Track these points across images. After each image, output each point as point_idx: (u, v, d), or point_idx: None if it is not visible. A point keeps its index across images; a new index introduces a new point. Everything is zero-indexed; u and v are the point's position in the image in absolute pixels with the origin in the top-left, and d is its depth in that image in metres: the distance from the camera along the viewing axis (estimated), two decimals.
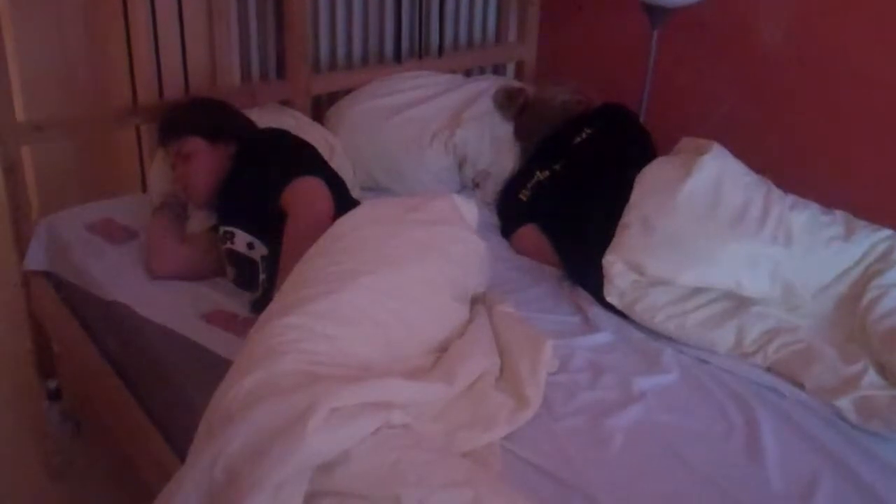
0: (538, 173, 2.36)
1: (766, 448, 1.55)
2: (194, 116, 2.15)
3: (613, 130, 2.42)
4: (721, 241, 1.90)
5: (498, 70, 3.16)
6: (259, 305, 1.83)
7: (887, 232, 2.00)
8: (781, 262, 1.90)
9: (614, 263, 1.92)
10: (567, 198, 2.25)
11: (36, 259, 2.25)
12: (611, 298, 1.92)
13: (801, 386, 1.72)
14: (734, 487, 1.46)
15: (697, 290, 1.89)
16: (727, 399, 1.69)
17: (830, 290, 1.94)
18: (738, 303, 1.88)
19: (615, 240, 1.97)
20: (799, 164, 2.49)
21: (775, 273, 1.89)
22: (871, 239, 1.97)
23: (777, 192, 2.05)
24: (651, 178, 2.07)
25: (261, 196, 1.93)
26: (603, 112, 2.48)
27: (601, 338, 1.87)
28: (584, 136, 2.39)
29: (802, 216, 2.00)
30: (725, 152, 2.11)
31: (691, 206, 1.95)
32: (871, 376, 1.71)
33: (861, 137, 2.40)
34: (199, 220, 2.17)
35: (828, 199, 2.12)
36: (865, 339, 1.82)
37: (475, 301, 1.83)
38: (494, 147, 2.55)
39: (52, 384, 2.46)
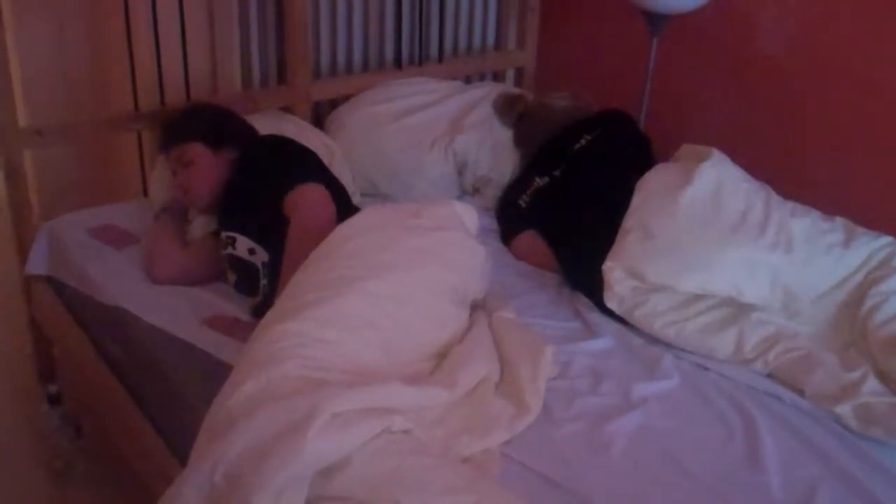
0: (537, 179, 2.36)
1: (766, 454, 1.55)
2: (195, 122, 2.16)
3: (613, 137, 2.42)
4: (721, 248, 1.90)
5: (498, 76, 3.17)
6: (260, 310, 1.84)
7: (887, 239, 2.00)
8: (781, 269, 1.90)
9: (614, 269, 1.92)
10: (566, 204, 2.25)
11: (37, 263, 2.25)
12: (610, 304, 1.92)
13: (801, 392, 1.72)
14: (734, 494, 1.46)
15: (697, 297, 1.89)
16: (727, 405, 1.69)
17: (831, 297, 1.94)
18: (739, 309, 1.88)
19: (615, 246, 1.97)
20: (799, 171, 2.50)
21: (775, 280, 1.90)
22: (871, 246, 1.98)
23: (777, 199, 2.06)
24: (651, 185, 2.07)
25: (262, 202, 1.94)
26: (602, 118, 2.48)
27: (601, 344, 1.88)
28: (583, 142, 2.39)
29: (802, 223, 2.01)
30: (725, 159, 2.11)
31: (691, 212, 1.96)
32: (872, 383, 1.71)
33: (861, 143, 2.41)
34: (200, 226, 2.18)
35: (828, 205, 2.13)
36: (866, 345, 1.83)
37: (475, 307, 1.83)
38: (494, 153, 2.56)
39: (53, 388, 2.47)
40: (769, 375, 1.78)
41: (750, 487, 1.48)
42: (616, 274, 1.92)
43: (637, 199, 2.04)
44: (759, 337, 1.81)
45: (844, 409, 1.65)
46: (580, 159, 2.36)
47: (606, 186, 2.19)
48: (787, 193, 2.11)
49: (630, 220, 2.00)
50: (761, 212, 1.98)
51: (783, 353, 1.78)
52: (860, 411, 1.64)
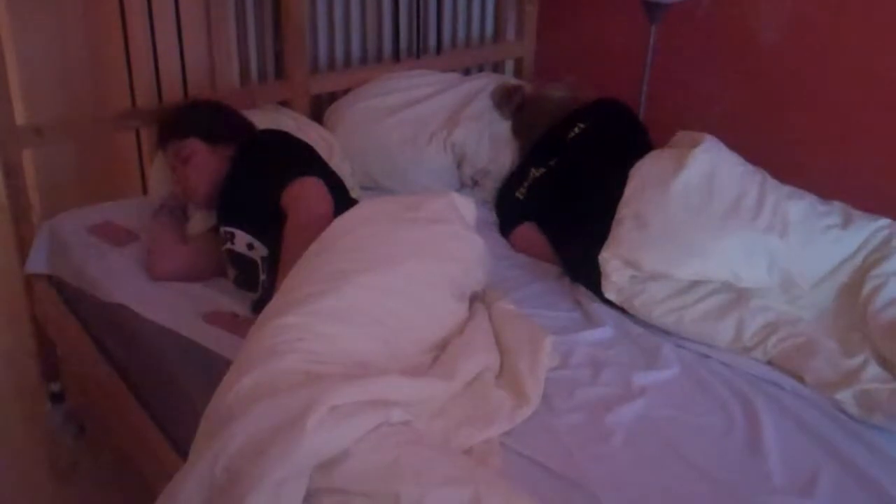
0: (533, 171, 2.35)
1: (766, 442, 1.55)
2: (193, 118, 2.16)
3: (607, 124, 2.41)
4: (716, 233, 1.89)
5: (497, 68, 3.16)
6: (259, 306, 1.83)
7: (885, 221, 1.99)
8: (778, 252, 1.89)
9: (610, 260, 1.92)
10: (562, 194, 2.24)
11: (38, 262, 2.25)
12: (609, 294, 1.91)
13: (801, 380, 1.72)
14: (735, 482, 1.46)
15: (696, 283, 1.89)
16: (728, 393, 1.69)
17: (831, 280, 1.93)
18: (738, 295, 1.87)
19: (610, 236, 1.96)
20: (797, 157, 2.49)
21: (773, 263, 1.89)
22: (870, 227, 1.97)
23: (772, 182, 2.04)
24: (644, 173, 2.06)
25: (260, 197, 1.94)
26: (596, 106, 2.46)
27: (601, 333, 1.87)
28: (577, 131, 2.38)
29: (799, 205, 1.99)
30: (719, 144, 2.09)
31: (685, 199, 1.95)
32: (873, 369, 1.70)
33: (860, 130, 2.40)
34: (199, 222, 2.18)
35: (828, 191, 2.12)
36: (867, 330, 1.81)
37: (474, 299, 1.83)
38: (493, 145, 2.55)
39: (56, 386, 2.47)
40: (769, 363, 1.77)
41: (751, 475, 1.48)
42: (612, 264, 1.91)
43: (630, 188, 2.03)
44: (758, 324, 1.81)
45: (845, 396, 1.65)
46: (574, 148, 2.35)
47: (601, 175, 2.18)
48: (787, 180, 2.09)
49: (624, 209, 1.99)
50: (756, 196, 1.97)
51: (783, 339, 1.77)
52: (861, 397, 1.64)
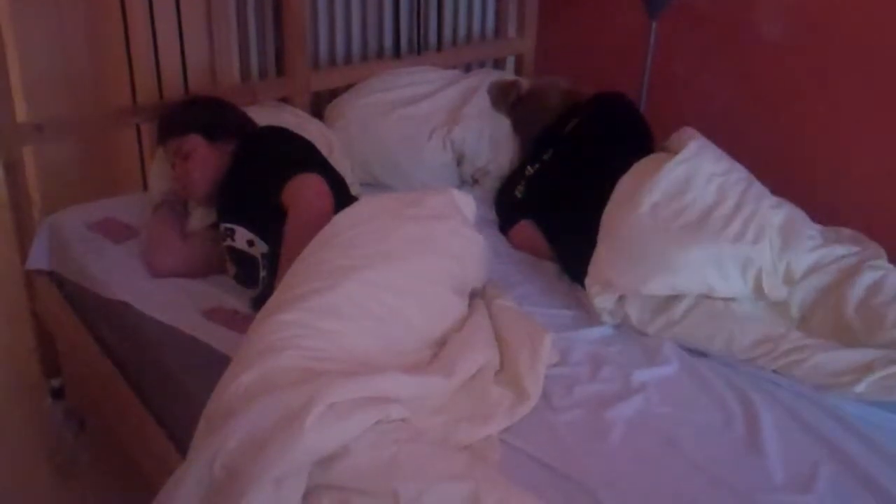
0: (529, 168, 2.35)
1: (765, 439, 1.55)
2: (193, 114, 2.16)
3: (600, 118, 2.38)
4: (681, 247, 1.85)
5: (498, 64, 3.16)
6: (259, 302, 1.83)
7: (873, 243, 1.99)
8: (752, 259, 1.85)
9: (592, 285, 1.89)
10: (557, 190, 2.24)
11: (38, 258, 2.26)
12: (603, 319, 1.89)
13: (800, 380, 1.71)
14: (734, 479, 1.46)
15: (675, 296, 1.86)
16: (727, 391, 1.69)
17: (816, 281, 1.90)
18: (723, 304, 1.85)
19: (592, 259, 1.93)
20: (796, 154, 2.48)
21: (746, 270, 1.85)
22: (858, 244, 1.96)
23: (756, 191, 1.99)
24: (622, 187, 2.01)
25: (260, 193, 1.94)
26: (592, 101, 2.44)
27: (601, 331, 1.88)
28: (570, 125, 2.37)
29: (783, 211, 1.96)
30: (703, 149, 2.05)
31: (654, 214, 1.91)
32: (882, 357, 1.67)
33: (861, 127, 2.39)
34: (199, 218, 2.18)
35: (825, 190, 2.11)
36: (868, 324, 1.78)
37: (474, 295, 1.83)
38: (493, 145, 2.55)
39: (56, 382, 2.48)
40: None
41: (750, 472, 1.48)
42: (595, 289, 1.89)
43: (610, 204, 1.99)
44: (750, 339, 1.78)
45: (860, 388, 1.64)
46: (568, 143, 2.33)
47: (597, 170, 2.15)
48: (784, 178, 2.08)
49: (602, 228, 1.97)
50: (732, 205, 1.92)
51: (780, 356, 1.74)
52: (878, 383, 1.63)
